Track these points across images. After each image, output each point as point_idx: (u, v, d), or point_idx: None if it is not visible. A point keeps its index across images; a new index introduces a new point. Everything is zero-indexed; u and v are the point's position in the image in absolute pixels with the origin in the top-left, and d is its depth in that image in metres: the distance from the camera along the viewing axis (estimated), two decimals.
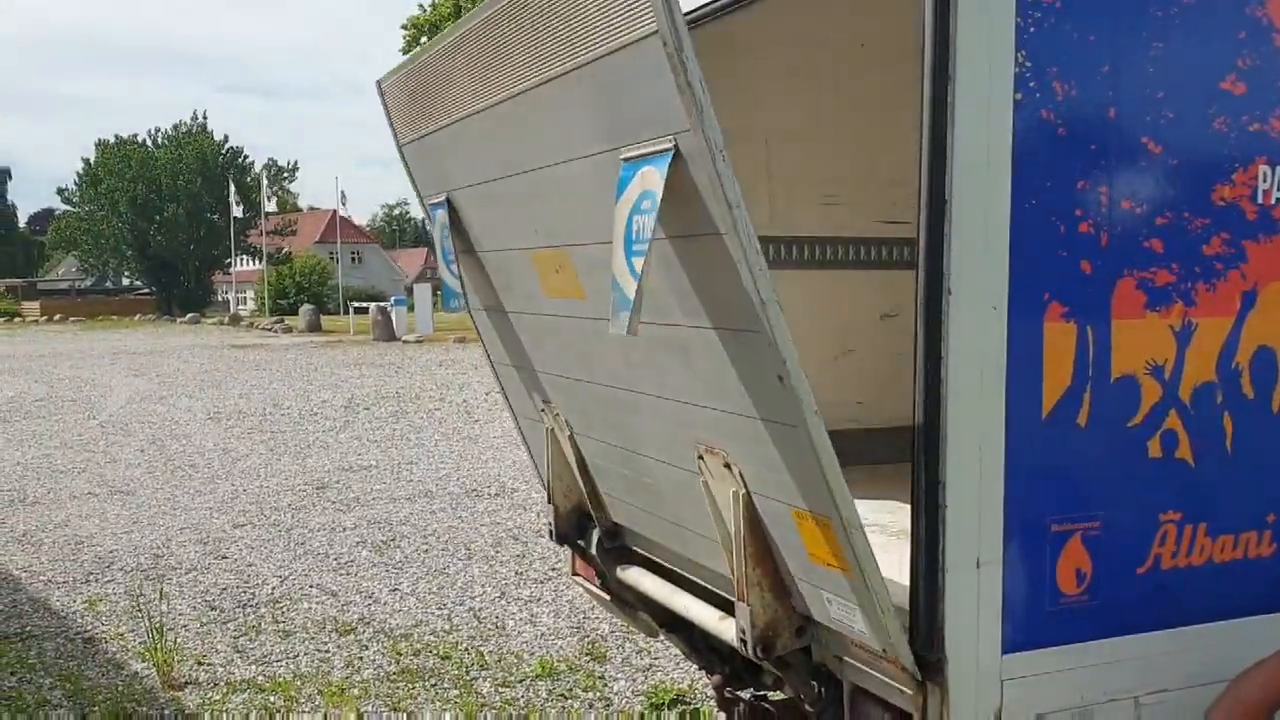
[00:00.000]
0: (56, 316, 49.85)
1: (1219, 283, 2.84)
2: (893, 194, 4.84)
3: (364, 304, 38.34)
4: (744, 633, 3.19)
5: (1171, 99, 2.77)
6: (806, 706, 3.30)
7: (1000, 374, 2.59)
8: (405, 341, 30.50)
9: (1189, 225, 2.80)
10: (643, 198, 2.57)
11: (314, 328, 37.31)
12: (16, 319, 50.51)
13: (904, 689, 2.72)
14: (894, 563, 3.31)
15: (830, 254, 4.93)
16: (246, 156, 65.79)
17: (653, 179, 2.52)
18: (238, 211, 52.68)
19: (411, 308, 34.65)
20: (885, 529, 3.86)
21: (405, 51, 46.48)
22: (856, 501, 4.24)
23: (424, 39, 45.33)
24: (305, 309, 40.07)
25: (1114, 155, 2.73)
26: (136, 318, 49.56)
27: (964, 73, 2.52)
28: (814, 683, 3.15)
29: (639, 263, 2.59)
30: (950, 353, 2.53)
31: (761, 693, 3.87)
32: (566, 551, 4.66)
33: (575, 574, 4.62)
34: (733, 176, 2.32)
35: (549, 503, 4.05)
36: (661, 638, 4.37)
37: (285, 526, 8.75)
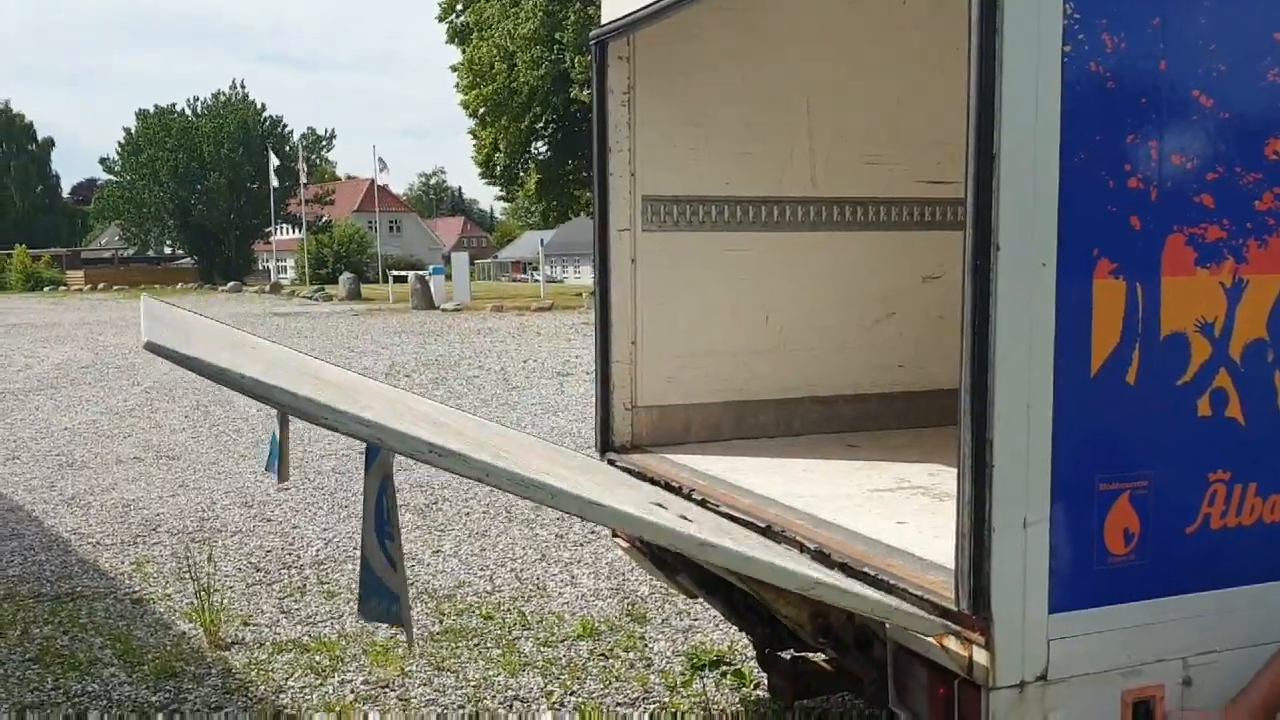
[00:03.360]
0: (100, 285, 50.43)
1: (1271, 239, 2.79)
2: (935, 153, 4.79)
3: (403, 273, 38.51)
4: (798, 630, 3.23)
5: (1224, 51, 2.71)
6: (864, 679, 3.31)
7: (1049, 332, 2.56)
8: (444, 309, 30.63)
9: (1241, 180, 2.75)
10: (386, 481, 2.62)
11: (354, 296, 37.55)
12: (61, 288, 51.16)
13: (947, 648, 2.72)
14: (938, 524, 3.31)
15: (872, 215, 4.90)
16: (285, 125, 66.07)
17: (388, 464, 2.59)
18: (277, 181, 52.93)
19: (449, 276, 34.78)
20: (928, 490, 3.86)
21: (441, 19, 46.35)
22: (897, 465, 4.28)
23: (459, 6, 45.16)
24: (345, 277, 40.30)
25: (1164, 109, 2.68)
26: (179, 286, 50.04)
27: (1011, 26, 2.48)
28: (870, 659, 3.16)
29: (394, 549, 2.63)
30: (998, 311, 2.51)
31: (802, 653, 3.89)
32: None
33: (615, 536, 4.65)
34: (463, 457, 2.41)
35: None
36: (701, 600, 4.39)
37: (329, 490, 8.84)
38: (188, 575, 6.29)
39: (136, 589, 6.38)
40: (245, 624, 5.78)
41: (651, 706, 4.60)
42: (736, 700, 4.59)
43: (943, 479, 3.94)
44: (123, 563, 6.91)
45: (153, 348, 2.23)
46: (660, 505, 3.19)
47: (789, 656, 3.87)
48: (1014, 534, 2.57)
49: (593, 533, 7.24)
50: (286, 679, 5.00)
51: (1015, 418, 2.55)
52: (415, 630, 2.92)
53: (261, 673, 5.11)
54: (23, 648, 5.36)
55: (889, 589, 2.92)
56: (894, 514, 3.54)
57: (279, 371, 3.12)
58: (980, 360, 2.53)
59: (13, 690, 4.83)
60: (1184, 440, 2.76)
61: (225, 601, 6.08)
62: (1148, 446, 2.73)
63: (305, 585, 6.39)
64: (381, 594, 2.77)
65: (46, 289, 50.35)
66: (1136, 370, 2.67)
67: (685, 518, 3.06)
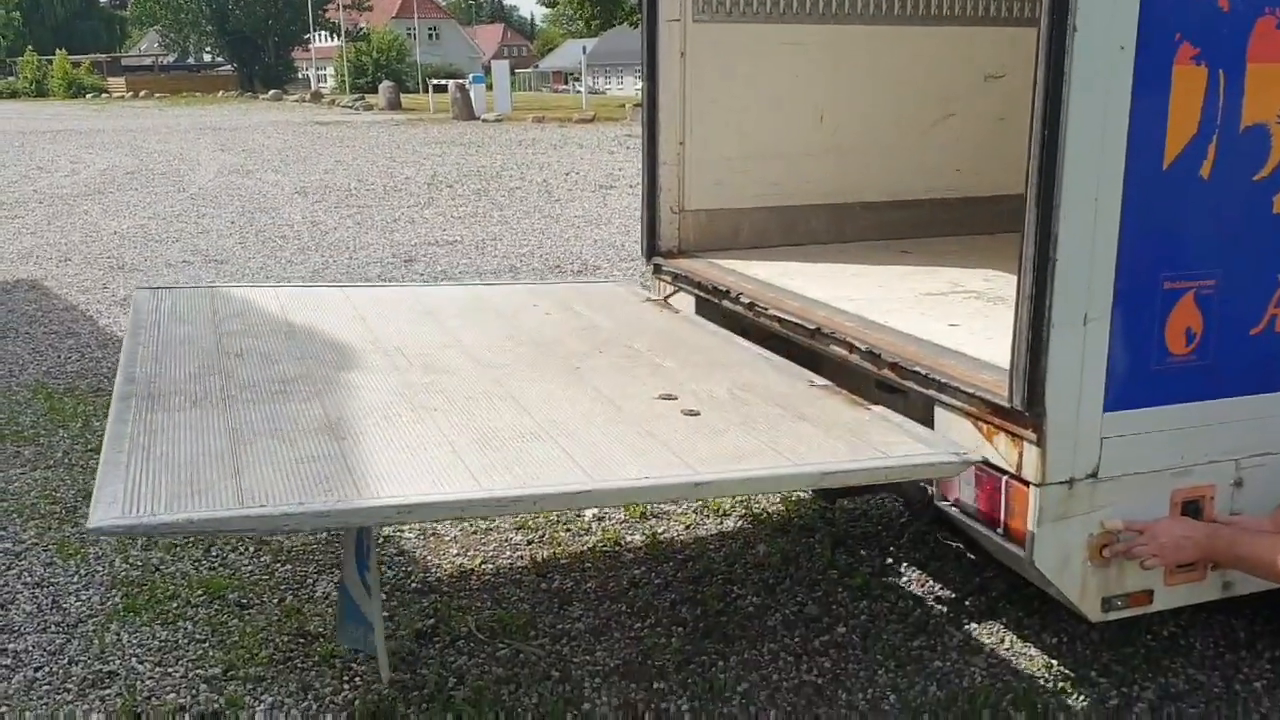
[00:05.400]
0: (142, 93, 50.06)
1: None
2: None
3: (443, 82, 37.85)
4: None
5: None
6: None
7: (1123, 120, 2.45)
8: (484, 120, 30.19)
9: None
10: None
11: (394, 105, 37.05)
12: (103, 95, 50.88)
13: (996, 446, 2.71)
14: (991, 327, 3.27)
15: (933, 8, 4.67)
16: None
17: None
18: None
19: (490, 86, 34.13)
20: (982, 295, 3.80)
21: None
22: (951, 270, 4.20)
23: None
24: (384, 86, 39.73)
25: None
26: (219, 94, 49.59)
27: None
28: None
29: (370, 577, 2.74)
30: (1071, 98, 2.39)
31: None
32: None
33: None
34: (431, 505, 2.50)
35: None
36: None
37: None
38: None
39: None
40: None
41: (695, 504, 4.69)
42: (778, 500, 4.66)
43: (997, 284, 3.87)
44: None
45: (100, 531, 2.25)
46: (669, 397, 3.15)
47: None
48: (1073, 331, 2.52)
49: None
50: None
51: (1082, 211, 2.46)
52: (388, 662, 2.98)
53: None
54: (84, 439, 5.52)
55: (940, 388, 2.90)
56: (946, 316, 3.49)
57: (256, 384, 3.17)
58: (1049, 150, 2.43)
59: (78, 478, 5.00)
60: (1256, 239, 2.67)
61: None
62: (1217, 244, 2.64)
63: None
64: (359, 620, 2.86)
65: (89, 96, 50.09)
66: (1212, 164, 2.56)
67: (694, 412, 3.01)
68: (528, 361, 3.55)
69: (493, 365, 3.47)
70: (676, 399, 3.12)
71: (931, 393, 2.93)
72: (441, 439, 2.75)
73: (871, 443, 2.80)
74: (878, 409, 3.07)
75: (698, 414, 3.00)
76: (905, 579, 3.98)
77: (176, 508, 2.28)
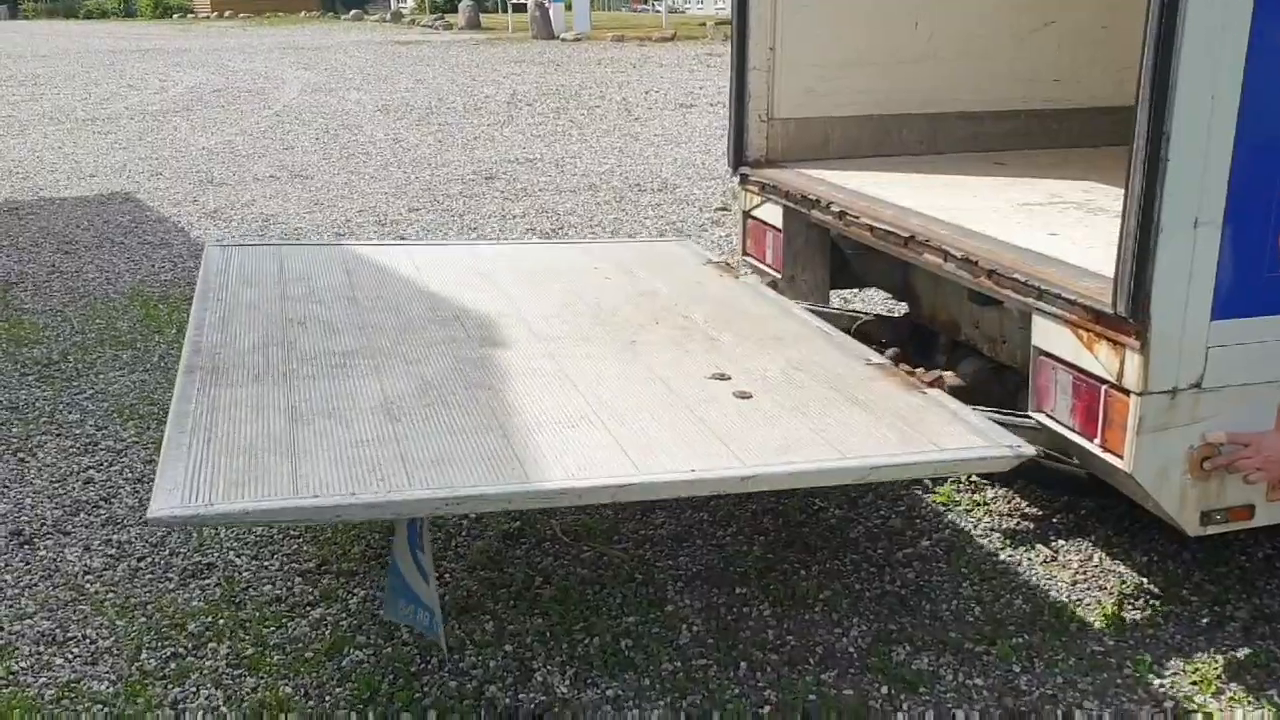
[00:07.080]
0: (226, 13, 50.37)
1: None
2: None
3: (522, 1, 37.51)
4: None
5: None
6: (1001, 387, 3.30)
7: (1245, 13, 2.33)
8: (563, 39, 29.93)
9: None
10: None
11: (473, 25, 36.84)
12: (189, 15, 51.33)
13: (1097, 354, 2.65)
14: (1093, 236, 3.18)
15: None
16: None
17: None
18: None
19: (569, 5, 33.75)
20: (1082, 205, 3.70)
21: None
22: (1049, 181, 4.09)
23: None
24: (464, 5, 39.44)
25: None
26: (302, 14, 49.68)
27: None
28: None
29: (425, 561, 2.68)
30: None
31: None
32: (735, 243, 4.65)
33: (745, 254, 4.62)
34: (480, 497, 2.42)
35: None
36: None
37: (458, 212, 8.94)
38: None
39: None
40: None
41: None
42: None
43: (1098, 195, 3.76)
44: None
45: (159, 521, 2.25)
46: (723, 376, 3.11)
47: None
48: (1183, 235, 2.44)
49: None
50: None
51: (1197, 109, 2.36)
52: (447, 643, 2.99)
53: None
54: (179, 344, 5.63)
55: (1039, 295, 2.84)
56: (1046, 226, 3.40)
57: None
58: (1164, 43, 2.32)
59: (174, 381, 5.13)
60: None
61: None
62: None
63: None
64: (409, 598, 2.84)
65: (175, 16, 50.58)
66: None
67: (746, 394, 2.98)
68: (583, 334, 3.53)
69: (548, 338, 3.47)
70: (729, 379, 3.11)
71: (1030, 300, 2.87)
72: (493, 423, 2.76)
73: (924, 433, 2.76)
74: (933, 392, 3.03)
75: (750, 396, 2.98)
76: (991, 494, 3.94)
77: (234, 496, 2.32)
